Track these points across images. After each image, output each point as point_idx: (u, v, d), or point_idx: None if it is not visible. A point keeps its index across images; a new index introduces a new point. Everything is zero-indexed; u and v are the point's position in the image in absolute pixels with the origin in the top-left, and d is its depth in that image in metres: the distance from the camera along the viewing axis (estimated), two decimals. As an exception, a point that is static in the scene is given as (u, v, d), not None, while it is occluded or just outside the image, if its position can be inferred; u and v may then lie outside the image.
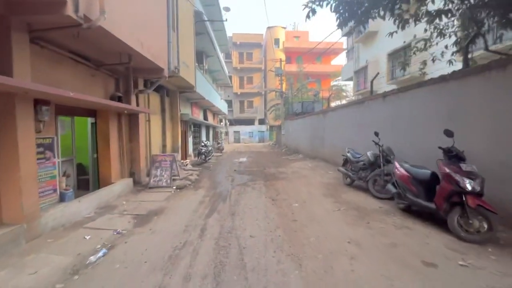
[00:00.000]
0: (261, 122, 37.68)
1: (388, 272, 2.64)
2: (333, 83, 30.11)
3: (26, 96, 3.49)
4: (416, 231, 3.67)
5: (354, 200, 5.37)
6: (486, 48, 4.84)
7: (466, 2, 4.39)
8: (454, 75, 4.51)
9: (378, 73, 8.96)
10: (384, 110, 6.80)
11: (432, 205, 3.80)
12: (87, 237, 3.64)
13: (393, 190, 4.70)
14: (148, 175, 7.21)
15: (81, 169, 6.10)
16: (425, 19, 4.84)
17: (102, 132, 5.91)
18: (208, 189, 6.80)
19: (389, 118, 6.50)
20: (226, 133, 34.26)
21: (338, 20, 4.71)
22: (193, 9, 10.22)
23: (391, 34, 5.21)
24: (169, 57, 7.06)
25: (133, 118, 6.90)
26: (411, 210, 4.47)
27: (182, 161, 10.63)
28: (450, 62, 5.61)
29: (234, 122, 36.07)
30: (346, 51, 21.86)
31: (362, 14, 4.58)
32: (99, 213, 4.72)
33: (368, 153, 6.12)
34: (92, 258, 3.02)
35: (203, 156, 12.26)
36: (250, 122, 37.43)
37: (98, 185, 5.86)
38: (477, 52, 7.18)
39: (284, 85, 25.23)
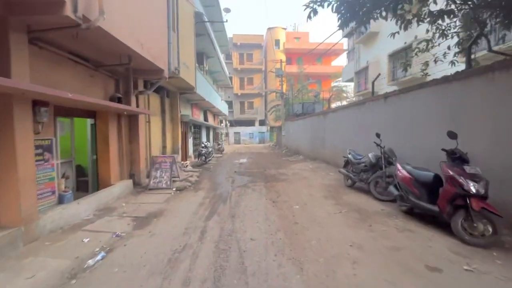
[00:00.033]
0: (262, 123, 37.65)
1: (391, 276, 2.59)
2: (333, 84, 30.10)
3: (24, 97, 3.45)
4: (419, 234, 3.62)
5: (356, 202, 5.32)
6: (490, 49, 4.80)
7: (469, 2, 4.35)
8: (457, 76, 4.46)
9: (379, 74, 8.91)
10: (385, 111, 6.76)
11: (435, 208, 3.75)
12: (86, 240, 3.59)
13: (395, 192, 4.65)
14: (148, 176, 7.17)
15: (80, 171, 6.07)
16: (428, 19, 4.79)
17: (101, 133, 5.87)
18: (208, 190, 6.76)
19: (391, 119, 6.45)
20: (227, 134, 34.23)
21: (340, 21, 4.67)
22: (193, 10, 10.21)
23: (393, 34, 5.17)
24: (169, 58, 7.03)
25: (133, 119, 6.86)
26: (413, 213, 4.42)
27: (182, 162, 10.59)
28: (452, 63, 5.57)
29: (234, 123, 36.04)
30: (346, 52, 21.82)
31: (364, 15, 4.54)
32: (98, 215, 4.67)
33: (370, 155, 6.07)
34: (91, 262, 2.98)
35: (203, 157, 12.22)
36: (250, 123, 37.41)
37: (98, 186, 5.81)
38: (480, 53, 7.13)
39: (284, 86, 25.23)
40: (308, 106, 19.05)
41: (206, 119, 18.05)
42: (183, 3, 8.72)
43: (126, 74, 6.33)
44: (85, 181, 6.01)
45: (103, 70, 5.66)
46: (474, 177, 3.34)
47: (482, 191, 3.25)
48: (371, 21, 5.00)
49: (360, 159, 6.46)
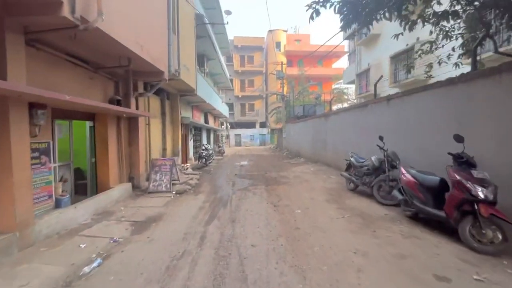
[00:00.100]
0: (263, 125, 37.56)
1: (398, 286, 2.48)
2: (334, 86, 30.01)
3: (20, 99, 3.38)
4: (425, 241, 3.51)
5: (358, 206, 5.21)
6: (496, 50, 4.70)
7: (476, 3, 4.26)
8: (462, 78, 4.37)
9: (382, 76, 8.82)
10: (388, 113, 6.66)
11: (441, 213, 3.64)
12: (82, 246, 3.50)
13: (400, 196, 4.54)
14: (148, 179, 7.08)
15: (79, 174, 5.99)
16: (432, 20, 4.71)
17: (100, 136, 5.79)
18: (209, 194, 6.66)
19: (394, 122, 6.35)
20: (227, 136, 34.14)
21: (342, 22, 4.60)
22: (194, 12, 10.18)
23: (396, 36, 5.08)
24: (170, 60, 6.98)
25: (132, 121, 6.79)
26: (418, 218, 4.30)
27: (182, 165, 10.51)
28: (456, 65, 5.48)
29: (235, 125, 35.98)
30: (347, 54, 21.77)
31: (367, 15, 4.45)
32: (96, 220, 4.58)
33: (373, 158, 5.96)
34: (86, 269, 2.89)
35: (204, 159, 12.13)
36: (251, 125, 37.32)
37: (96, 190, 5.73)
38: (485, 54, 7.03)
39: (285, 88, 25.13)
40: (309, 108, 18.93)
41: (206, 121, 17.99)
42: (183, 5, 8.69)
43: (126, 76, 6.26)
44: (84, 184, 5.93)
45: (103, 72, 5.60)
46: (482, 182, 3.24)
47: (490, 197, 3.14)
48: (373, 23, 4.92)
49: (363, 162, 6.35)
